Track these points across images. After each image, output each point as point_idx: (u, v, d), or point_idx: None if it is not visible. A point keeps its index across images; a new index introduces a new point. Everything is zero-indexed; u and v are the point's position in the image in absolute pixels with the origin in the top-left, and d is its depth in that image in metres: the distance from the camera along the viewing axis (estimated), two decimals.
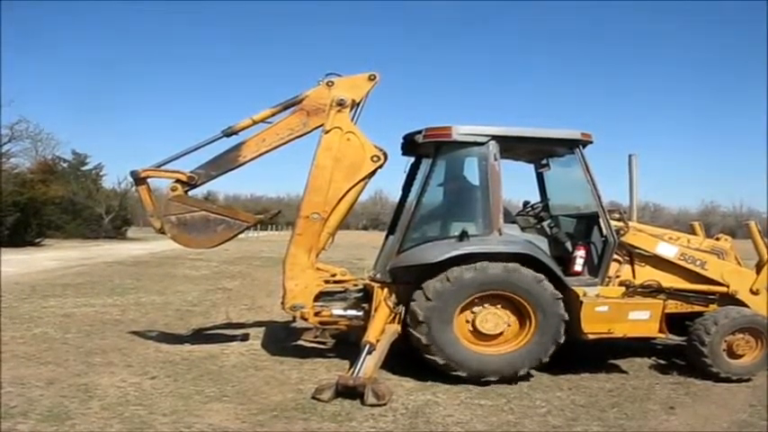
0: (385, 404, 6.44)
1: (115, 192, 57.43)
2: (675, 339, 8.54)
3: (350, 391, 6.59)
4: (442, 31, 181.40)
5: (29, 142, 46.14)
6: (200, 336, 9.94)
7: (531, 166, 9.16)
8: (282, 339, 9.56)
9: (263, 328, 10.47)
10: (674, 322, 8.20)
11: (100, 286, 16.02)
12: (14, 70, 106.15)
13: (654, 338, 8.64)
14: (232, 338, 9.65)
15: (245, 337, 9.75)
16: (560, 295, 7.40)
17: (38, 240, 38.12)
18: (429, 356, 7.30)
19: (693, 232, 8.98)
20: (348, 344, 8.25)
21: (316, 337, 8.99)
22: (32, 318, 10.99)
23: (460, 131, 7.69)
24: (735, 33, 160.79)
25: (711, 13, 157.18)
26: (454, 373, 7.28)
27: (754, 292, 8.20)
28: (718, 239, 8.80)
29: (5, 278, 17.04)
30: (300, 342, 9.09)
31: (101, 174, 59.04)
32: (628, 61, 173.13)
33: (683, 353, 8.26)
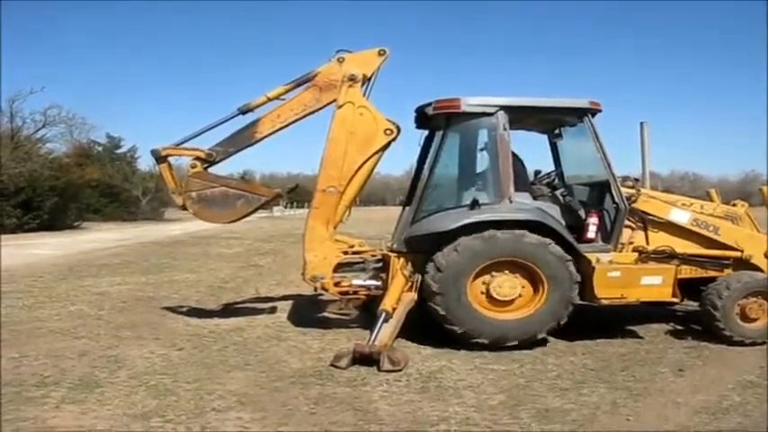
0: (400, 370, 6.64)
1: (151, 174, 58.22)
2: (692, 305, 8.65)
3: (366, 359, 6.80)
4: (458, 6, 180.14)
5: (63, 127, 46.88)
6: (229, 310, 10.22)
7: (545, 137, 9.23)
8: (308, 312, 9.79)
9: (291, 302, 10.71)
10: (693, 288, 8.30)
11: (135, 266, 16.44)
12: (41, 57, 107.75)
13: (672, 305, 8.73)
14: (259, 312, 9.91)
15: (272, 311, 10.00)
16: (569, 257, 7.52)
17: (77, 223, 38.91)
18: (433, 305, 7.49)
19: (710, 198, 9.00)
20: (372, 315, 8.45)
21: (340, 308, 9.16)
22: (69, 296, 11.37)
23: (469, 103, 7.82)
24: None
25: None
26: (449, 327, 7.49)
27: None
28: (734, 205, 8.81)
29: (44, 260, 17.58)
30: (325, 314, 9.30)
31: (135, 156, 59.92)
32: (662, 30, 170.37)
33: (699, 318, 8.35)
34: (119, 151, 58.95)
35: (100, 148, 56.22)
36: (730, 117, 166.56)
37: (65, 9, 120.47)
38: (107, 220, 46.66)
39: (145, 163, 59.30)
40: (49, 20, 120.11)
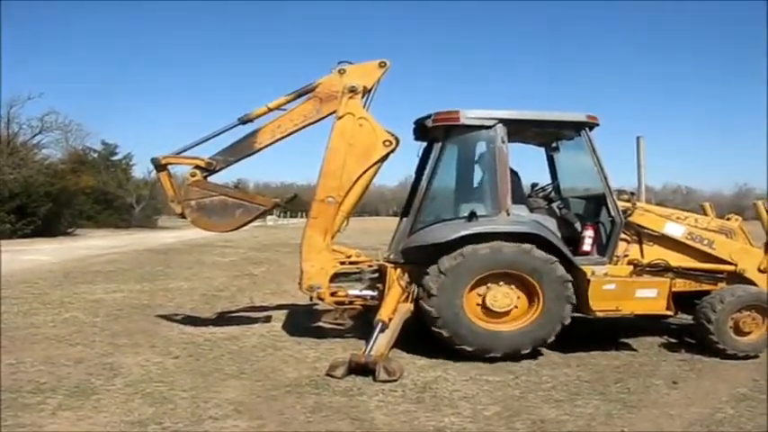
0: (396, 380, 6.68)
1: (145, 181, 58.22)
2: (686, 318, 8.72)
3: (362, 368, 6.84)
4: (456, 16, 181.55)
5: (59, 133, 46.86)
6: (224, 319, 10.23)
7: (543, 150, 9.32)
8: (303, 321, 9.82)
9: (286, 311, 10.73)
10: (686, 302, 8.35)
11: (130, 273, 16.39)
12: (39, 63, 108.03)
13: (666, 318, 8.79)
14: (254, 321, 9.93)
15: (267, 320, 10.03)
16: (555, 258, 7.57)
17: (70, 230, 38.87)
18: (436, 329, 7.52)
19: (704, 212, 9.07)
20: (367, 325, 8.47)
21: (335, 318, 9.15)
22: (63, 303, 11.34)
23: (468, 115, 7.89)
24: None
25: None
26: (458, 347, 7.51)
27: (763, 271, 8.29)
28: (728, 219, 8.89)
29: (39, 266, 17.56)
30: (320, 323, 9.31)
31: (131, 163, 59.95)
32: (658, 45, 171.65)
33: (693, 332, 8.40)
34: (114, 158, 58.95)
35: (95, 155, 56.15)
36: (724, 131, 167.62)
37: (65, 10, 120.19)
38: (100, 227, 46.62)
39: (140, 170, 59.37)
40: (47, 24, 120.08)
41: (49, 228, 35.51)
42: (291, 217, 61.57)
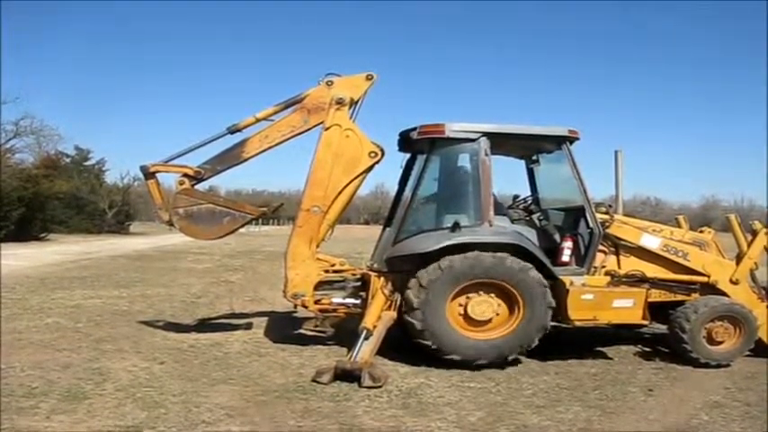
0: (380, 386, 6.83)
1: (118, 187, 57.84)
2: (659, 327, 8.97)
3: (347, 375, 6.98)
4: (438, 31, 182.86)
5: (32, 138, 46.46)
6: (205, 325, 10.33)
7: (523, 163, 9.54)
8: (284, 328, 9.92)
9: (266, 318, 10.85)
10: (659, 312, 8.59)
11: (106, 279, 16.39)
12: (16, 67, 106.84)
13: (640, 327, 9.03)
14: (236, 327, 10.03)
15: (248, 327, 10.12)
16: (546, 283, 7.76)
17: (42, 235, 38.49)
18: (422, 341, 7.67)
19: (678, 225, 9.35)
20: (347, 332, 8.61)
21: (316, 326, 9.24)
22: (43, 308, 11.36)
23: (453, 128, 8.08)
24: (734, 29, 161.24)
25: (712, 9, 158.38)
26: (446, 357, 7.64)
27: (734, 282, 8.55)
28: (701, 232, 9.17)
29: (15, 271, 17.44)
30: (301, 331, 9.39)
31: (103, 169, 59.51)
32: (629, 59, 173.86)
33: (667, 341, 8.66)
34: (87, 163, 58.46)
35: (68, 160, 55.66)
36: (692, 143, 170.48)
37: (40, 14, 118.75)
38: (72, 232, 46.23)
39: (112, 176, 58.97)
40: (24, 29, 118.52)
41: (22, 232, 35.13)
42: (263, 224, 61.40)
